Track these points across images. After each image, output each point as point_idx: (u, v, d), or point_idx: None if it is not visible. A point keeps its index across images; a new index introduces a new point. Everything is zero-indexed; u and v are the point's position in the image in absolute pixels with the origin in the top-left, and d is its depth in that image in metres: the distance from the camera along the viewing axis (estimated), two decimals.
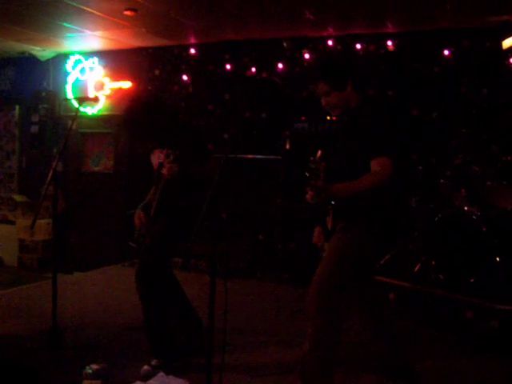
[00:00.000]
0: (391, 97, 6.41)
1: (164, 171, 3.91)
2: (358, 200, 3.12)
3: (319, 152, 3.16)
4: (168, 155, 3.90)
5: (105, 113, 8.34)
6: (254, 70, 7.23)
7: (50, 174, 3.88)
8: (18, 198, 9.00)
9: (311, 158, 3.01)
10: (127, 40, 7.56)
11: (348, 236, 3.21)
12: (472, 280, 4.77)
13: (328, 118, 3.46)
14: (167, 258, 4.14)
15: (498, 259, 4.67)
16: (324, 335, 3.13)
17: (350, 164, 3.21)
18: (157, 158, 4.15)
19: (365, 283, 3.48)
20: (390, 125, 3.22)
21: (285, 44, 6.94)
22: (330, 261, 3.19)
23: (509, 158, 5.18)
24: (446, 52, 6.19)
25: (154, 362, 3.79)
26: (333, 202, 3.19)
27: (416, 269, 5.20)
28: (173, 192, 3.99)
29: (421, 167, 5.66)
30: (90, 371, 3.58)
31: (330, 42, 6.74)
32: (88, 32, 7.14)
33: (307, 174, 2.98)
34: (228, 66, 7.38)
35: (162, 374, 3.62)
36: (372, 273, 3.68)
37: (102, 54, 8.30)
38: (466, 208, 5.02)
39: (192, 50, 7.61)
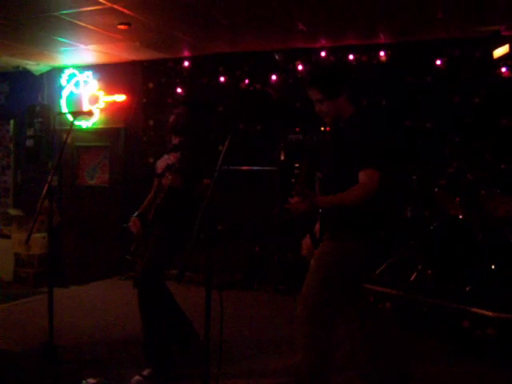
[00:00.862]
0: (384, 107, 6.45)
1: (166, 181, 3.95)
2: (346, 210, 3.12)
3: (304, 160, 3.17)
4: (170, 167, 3.94)
5: (100, 126, 8.35)
6: (247, 81, 7.26)
7: (46, 188, 3.88)
8: (13, 212, 8.98)
9: (296, 165, 3.03)
10: (121, 54, 7.59)
11: (334, 245, 3.21)
12: (468, 288, 4.78)
13: (322, 128, 3.48)
14: (167, 266, 4.14)
15: (493, 267, 4.68)
16: (314, 343, 3.12)
17: (339, 174, 3.22)
18: (164, 161, 4.17)
19: (355, 292, 3.48)
20: (380, 136, 3.22)
21: (277, 57, 6.98)
22: (317, 270, 3.19)
23: (502, 166, 5.21)
24: (439, 62, 6.24)
25: (145, 373, 3.78)
26: (320, 211, 3.20)
27: (412, 278, 5.21)
28: (174, 201, 4.00)
29: (415, 176, 5.68)
30: None
31: (322, 53, 6.78)
32: (82, 46, 7.17)
33: (293, 180, 3.00)
34: (222, 79, 7.41)
35: None
36: (361, 282, 3.66)
37: (96, 68, 8.33)
38: (460, 216, 5.04)
39: (186, 63, 7.65)
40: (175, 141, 4.18)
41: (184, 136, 4.15)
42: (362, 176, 3.07)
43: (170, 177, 3.92)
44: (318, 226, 3.35)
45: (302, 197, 3.00)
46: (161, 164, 4.22)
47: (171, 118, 4.23)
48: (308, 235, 3.44)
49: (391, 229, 3.60)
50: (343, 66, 6.56)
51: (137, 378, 3.74)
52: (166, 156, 4.24)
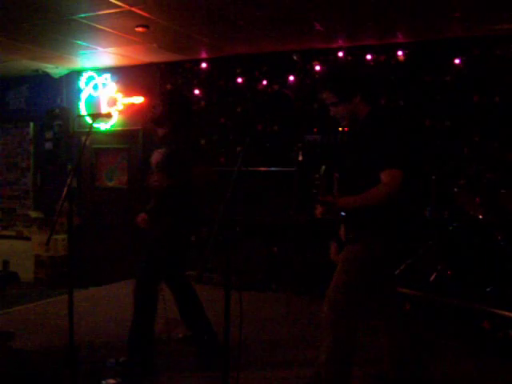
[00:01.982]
0: (402, 107, 6.41)
1: (152, 182, 3.98)
2: (368, 210, 3.11)
3: (323, 167, 3.17)
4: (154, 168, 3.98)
5: (118, 128, 8.40)
6: (265, 82, 7.26)
7: (65, 190, 3.90)
8: (33, 214, 9.07)
9: (316, 176, 3.03)
10: (139, 56, 7.63)
11: (358, 247, 3.21)
12: (488, 289, 4.74)
13: (340, 129, 3.48)
14: (167, 270, 4.15)
15: None
16: (340, 347, 3.12)
17: (359, 175, 3.21)
18: (155, 157, 4.18)
19: (386, 294, 3.47)
20: (400, 136, 3.21)
21: (295, 57, 6.96)
22: (343, 272, 3.19)
23: None
24: (457, 61, 6.17)
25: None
26: (343, 214, 3.20)
27: (432, 278, 5.18)
28: (166, 203, 4.02)
29: (434, 177, 5.64)
30: None
31: (340, 54, 6.76)
32: (100, 49, 7.22)
33: (314, 191, 3.00)
34: (239, 80, 7.42)
35: None
36: (392, 284, 3.64)
37: (114, 71, 8.38)
38: (480, 216, 4.99)
39: (203, 65, 7.66)
40: (160, 133, 4.20)
41: (165, 127, 4.17)
42: (385, 176, 3.05)
43: (155, 178, 3.94)
44: (342, 229, 3.35)
45: (325, 206, 3.00)
46: (153, 160, 4.22)
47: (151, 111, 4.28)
48: (335, 241, 3.44)
49: (411, 229, 3.57)
50: (356, 66, 6.52)
51: (112, 360, 3.78)
52: (158, 151, 4.22)
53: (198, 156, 4.18)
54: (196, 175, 4.00)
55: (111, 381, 3.63)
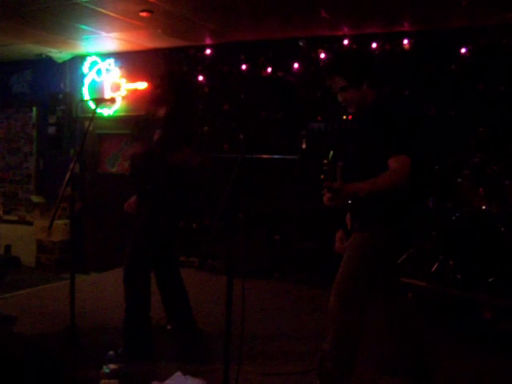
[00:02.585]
0: (407, 95, 6.37)
1: (129, 150, 3.98)
2: (375, 198, 3.09)
3: (331, 152, 3.15)
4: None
5: (121, 114, 8.38)
6: (269, 69, 7.22)
7: (68, 176, 3.89)
8: (35, 199, 9.08)
9: (324, 161, 2.99)
10: (143, 41, 7.59)
11: (365, 235, 3.19)
12: (490, 279, 4.73)
13: (344, 117, 3.45)
14: (154, 257, 4.15)
15: None
16: (345, 336, 3.12)
17: (366, 162, 3.19)
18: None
19: (389, 283, 3.47)
20: (408, 123, 3.19)
21: (301, 43, 6.91)
22: (350, 260, 3.18)
23: None
24: (463, 50, 6.13)
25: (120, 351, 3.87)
26: (349, 201, 3.18)
27: (434, 268, 5.16)
28: (153, 183, 4.03)
29: (437, 166, 5.62)
30: (107, 371, 3.60)
31: (345, 42, 6.72)
32: (104, 34, 7.18)
33: (322, 177, 2.97)
34: (243, 66, 7.38)
35: (179, 373, 3.63)
36: (395, 273, 3.65)
37: (118, 56, 8.35)
38: (483, 207, 4.98)
39: (207, 51, 7.62)
40: (160, 114, 4.17)
41: (163, 107, 4.14)
42: (393, 162, 3.03)
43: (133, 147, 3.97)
44: (348, 217, 3.33)
45: (333, 193, 2.98)
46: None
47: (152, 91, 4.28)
48: (341, 229, 3.42)
49: (415, 218, 3.56)
50: (365, 53, 6.48)
51: (111, 352, 3.79)
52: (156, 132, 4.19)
53: (188, 139, 4.12)
54: (184, 158, 3.97)
55: (113, 366, 3.63)
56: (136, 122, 7.54)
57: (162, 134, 3.98)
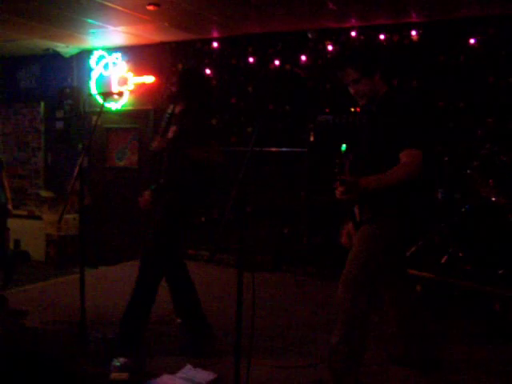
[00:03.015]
0: (416, 87, 6.33)
1: (153, 144, 3.99)
2: (385, 191, 3.08)
3: (344, 145, 3.14)
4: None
5: (129, 108, 8.39)
6: (277, 62, 7.19)
7: (76, 170, 3.90)
8: (44, 193, 9.11)
9: (337, 154, 2.98)
10: (150, 35, 7.58)
11: (374, 227, 3.19)
12: (500, 271, 4.71)
13: (352, 109, 3.44)
14: (171, 250, 4.13)
15: None
16: (354, 327, 3.12)
17: (377, 155, 3.18)
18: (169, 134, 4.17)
19: (397, 275, 3.47)
20: (421, 116, 3.18)
21: (309, 35, 6.87)
22: (358, 252, 3.17)
23: None
24: (472, 41, 6.09)
25: None
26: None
27: (443, 260, 5.15)
28: (175, 176, 4.02)
29: (447, 158, 5.59)
30: (117, 364, 3.60)
31: (353, 33, 6.67)
32: (111, 27, 7.18)
33: (336, 170, 2.96)
34: (251, 59, 7.36)
35: (189, 366, 3.64)
36: (404, 265, 3.64)
37: (125, 50, 8.34)
38: (493, 198, 4.95)
39: (215, 44, 7.60)
40: (176, 111, 4.17)
41: (180, 104, 4.15)
42: (405, 156, 3.02)
43: (155, 141, 3.97)
44: (357, 209, 3.32)
45: (346, 186, 2.96)
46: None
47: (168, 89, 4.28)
48: (350, 222, 3.41)
49: (424, 209, 3.55)
50: (375, 44, 6.45)
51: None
52: (172, 128, 4.20)
53: (209, 134, 4.15)
54: (210, 153, 3.99)
55: (122, 359, 3.64)
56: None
57: (179, 131, 3.98)
